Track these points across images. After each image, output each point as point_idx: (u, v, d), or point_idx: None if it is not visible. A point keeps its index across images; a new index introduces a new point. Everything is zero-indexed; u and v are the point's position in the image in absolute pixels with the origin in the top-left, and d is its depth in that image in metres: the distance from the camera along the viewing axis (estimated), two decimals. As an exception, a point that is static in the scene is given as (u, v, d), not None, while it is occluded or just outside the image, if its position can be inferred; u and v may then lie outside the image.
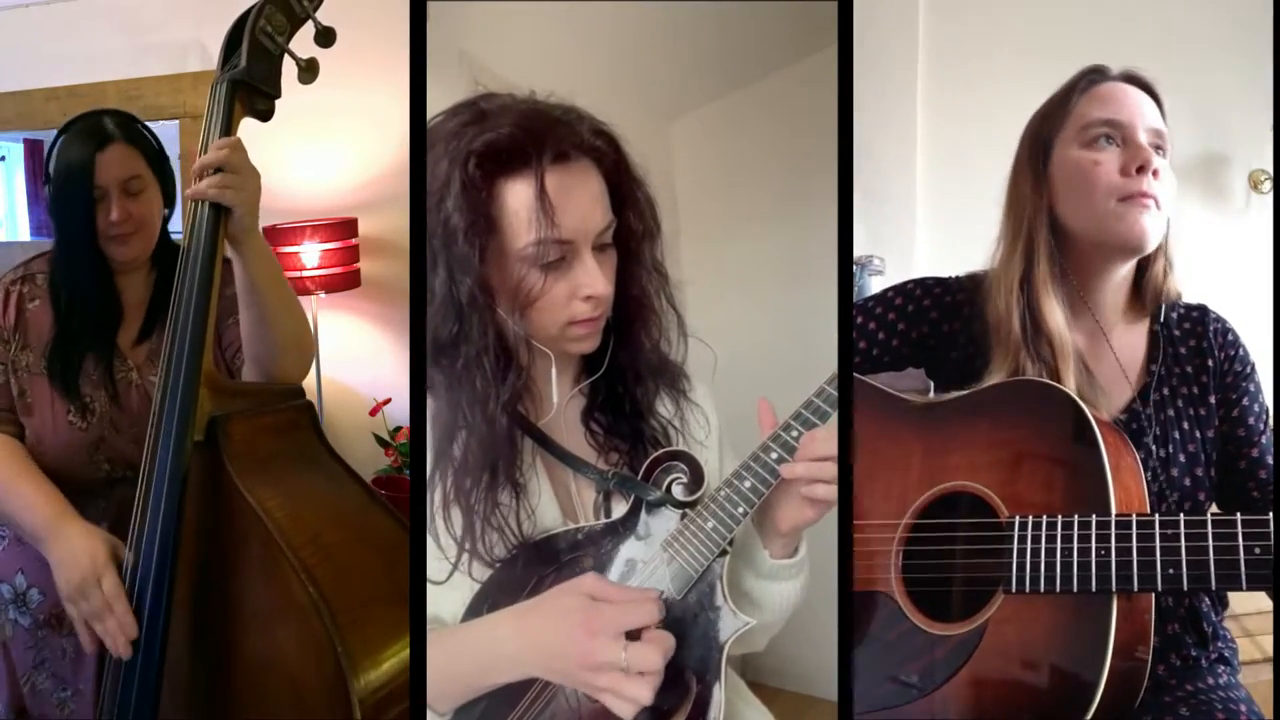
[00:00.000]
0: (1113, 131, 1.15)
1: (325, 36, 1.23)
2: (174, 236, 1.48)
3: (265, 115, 1.26)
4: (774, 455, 0.94)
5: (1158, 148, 1.15)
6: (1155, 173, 1.13)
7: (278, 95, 1.24)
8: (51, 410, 1.33)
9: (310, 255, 2.65)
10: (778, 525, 0.97)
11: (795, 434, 0.95)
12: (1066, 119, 1.18)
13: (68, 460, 1.32)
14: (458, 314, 0.96)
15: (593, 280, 0.97)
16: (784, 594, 1.01)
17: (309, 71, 1.23)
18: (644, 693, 0.85)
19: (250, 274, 1.23)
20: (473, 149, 0.94)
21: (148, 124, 1.40)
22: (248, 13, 1.21)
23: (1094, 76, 1.20)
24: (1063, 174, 1.18)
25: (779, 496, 0.95)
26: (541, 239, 0.94)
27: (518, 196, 0.95)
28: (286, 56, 1.23)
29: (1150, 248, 1.16)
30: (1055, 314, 1.16)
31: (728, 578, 1.02)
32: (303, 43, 1.25)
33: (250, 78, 1.20)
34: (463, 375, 0.97)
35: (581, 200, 0.96)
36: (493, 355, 0.96)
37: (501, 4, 2.07)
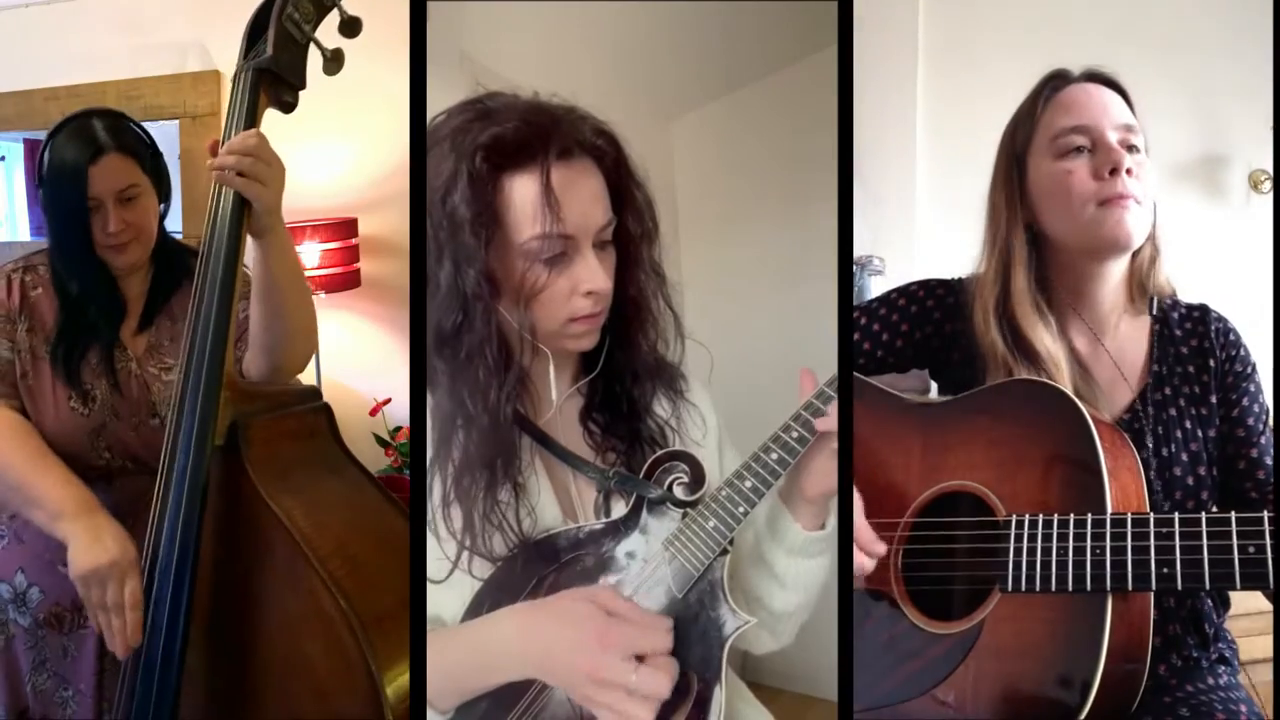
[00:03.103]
0: (1082, 138, 1.15)
1: (350, 26, 1.19)
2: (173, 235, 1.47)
3: (289, 107, 1.23)
4: (775, 456, 0.95)
5: (1129, 145, 1.15)
6: (1129, 171, 1.13)
7: (303, 86, 1.21)
8: (54, 395, 1.32)
9: (310, 255, 2.65)
10: (806, 491, 0.98)
11: (795, 435, 0.95)
12: (1035, 131, 1.19)
13: (69, 446, 1.31)
14: (462, 305, 0.96)
15: (593, 276, 0.98)
16: (814, 572, 1.02)
17: (335, 62, 1.19)
18: (645, 716, 0.85)
19: (273, 269, 1.22)
20: (479, 143, 0.95)
21: (138, 122, 1.38)
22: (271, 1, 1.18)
23: (1056, 83, 1.20)
24: (1040, 187, 1.18)
25: (807, 462, 0.96)
26: (546, 233, 0.95)
27: (522, 191, 0.95)
28: (312, 46, 1.20)
29: (1136, 244, 1.16)
30: (1039, 331, 1.16)
31: (744, 569, 1.04)
32: (324, 33, 1.22)
33: (276, 66, 1.17)
34: (465, 366, 0.97)
35: (583, 196, 0.97)
36: (495, 346, 0.97)
37: (501, 4, 2.07)
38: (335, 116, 2.82)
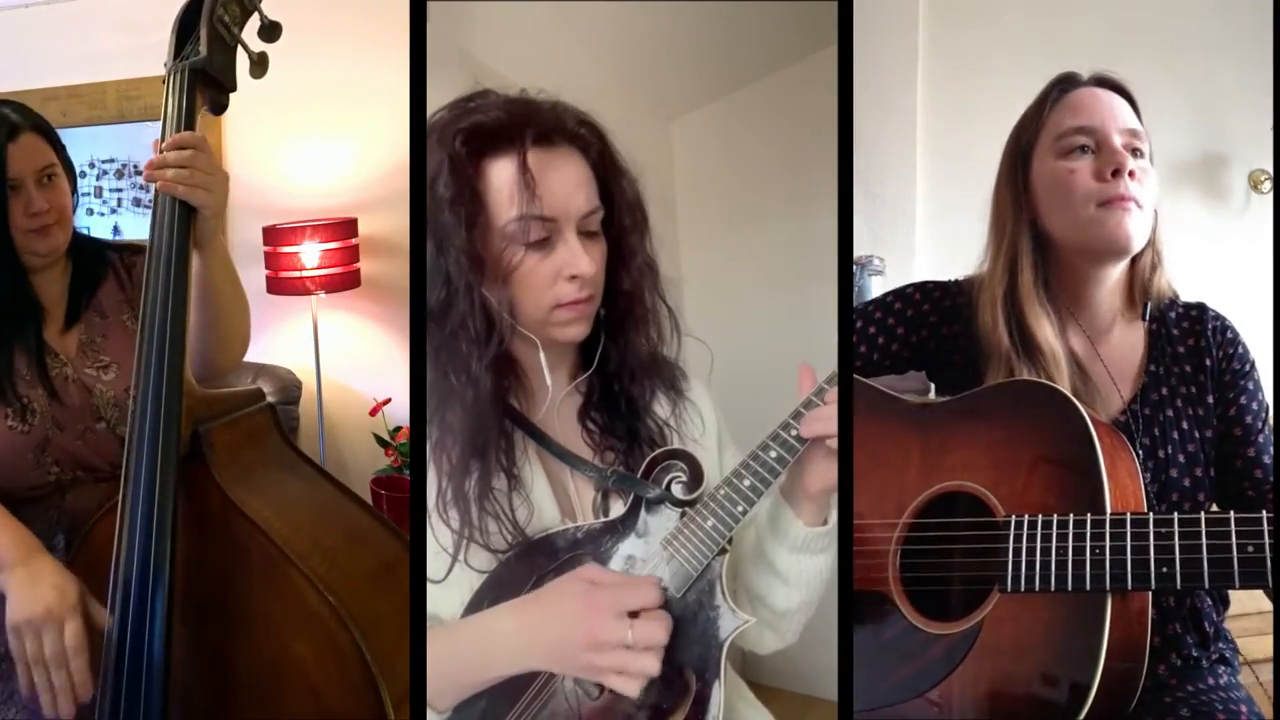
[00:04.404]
0: (1086, 139, 1.15)
1: (270, 31, 1.19)
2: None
3: (221, 108, 1.22)
4: (773, 454, 0.95)
5: (1134, 149, 1.15)
6: (1132, 174, 1.13)
7: (233, 88, 1.20)
8: None
9: (310, 255, 2.65)
10: (807, 487, 0.98)
11: (794, 433, 0.95)
12: (1041, 131, 1.19)
13: (12, 468, 1.25)
14: (445, 281, 0.97)
15: (576, 259, 0.98)
16: (818, 569, 1.02)
17: (260, 66, 1.19)
18: (651, 665, 0.86)
19: (212, 277, 1.20)
20: (459, 128, 0.97)
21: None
22: (199, 1, 1.18)
23: (1064, 85, 1.20)
24: (1042, 186, 1.19)
25: (806, 460, 0.96)
26: (523, 214, 0.96)
27: (501, 174, 0.97)
28: (239, 49, 1.19)
29: (1136, 248, 1.16)
30: (1043, 325, 1.16)
31: (747, 568, 1.04)
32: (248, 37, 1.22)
33: (210, 68, 1.16)
34: (449, 340, 0.98)
35: (564, 180, 0.98)
36: (478, 320, 0.97)
37: (501, 4, 2.07)
38: (335, 116, 2.83)
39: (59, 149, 1.32)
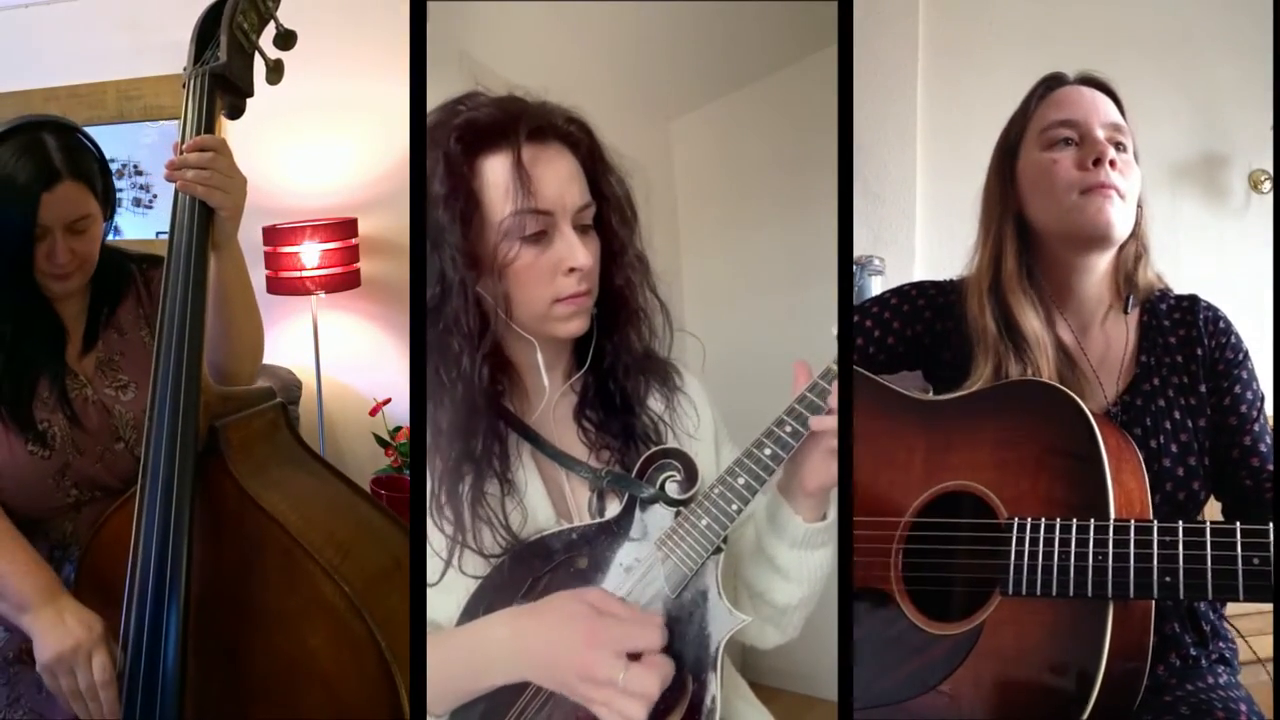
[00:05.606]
0: (1070, 131, 1.18)
1: (286, 39, 1.21)
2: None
3: (238, 113, 1.23)
4: (768, 451, 0.94)
5: (1117, 143, 1.18)
6: (1113, 163, 1.16)
7: (250, 94, 1.22)
8: (7, 442, 1.25)
9: (310, 255, 2.65)
10: (805, 485, 0.98)
11: (789, 429, 0.95)
12: (1027, 125, 1.23)
13: (34, 492, 1.25)
14: (439, 278, 0.98)
15: (574, 252, 0.98)
16: (819, 563, 1.01)
17: (276, 72, 1.20)
18: (638, 713, 0.86)
19: (224, 281, 1.20)
20: (454, 124, 0.98)
21: (87, 133, 1.30)
22: (220, 6, 1.19)
23: (1050, 83, 1.24)
24: (1027, 178, 1.21)
25: (803, 458, 0.96)
26: (519, 209, 0.96)
27: (496, 170, 0.97)
28: (256, 55, 1.21)
29: (1116, 235, 1.17)
30: (1027, 313, 1.19)
31: (745, 565, 1.04)
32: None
33: (230, 73, 1.17)
34: (441, 337, 0.98)
35: (558, 174, 0.99)
36: (471, 317, 0.98)
37: (501, 4, 2.07)
38: (335, 117, 2.83)
39: (98, 188, 1.27)
